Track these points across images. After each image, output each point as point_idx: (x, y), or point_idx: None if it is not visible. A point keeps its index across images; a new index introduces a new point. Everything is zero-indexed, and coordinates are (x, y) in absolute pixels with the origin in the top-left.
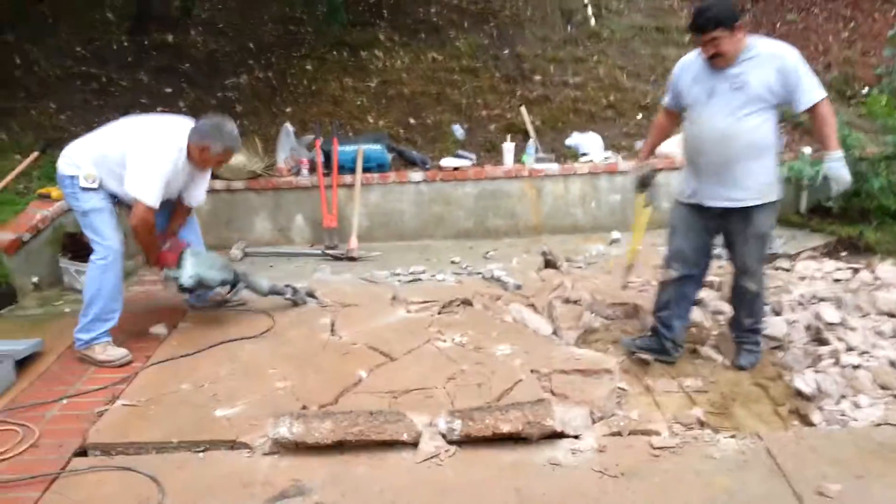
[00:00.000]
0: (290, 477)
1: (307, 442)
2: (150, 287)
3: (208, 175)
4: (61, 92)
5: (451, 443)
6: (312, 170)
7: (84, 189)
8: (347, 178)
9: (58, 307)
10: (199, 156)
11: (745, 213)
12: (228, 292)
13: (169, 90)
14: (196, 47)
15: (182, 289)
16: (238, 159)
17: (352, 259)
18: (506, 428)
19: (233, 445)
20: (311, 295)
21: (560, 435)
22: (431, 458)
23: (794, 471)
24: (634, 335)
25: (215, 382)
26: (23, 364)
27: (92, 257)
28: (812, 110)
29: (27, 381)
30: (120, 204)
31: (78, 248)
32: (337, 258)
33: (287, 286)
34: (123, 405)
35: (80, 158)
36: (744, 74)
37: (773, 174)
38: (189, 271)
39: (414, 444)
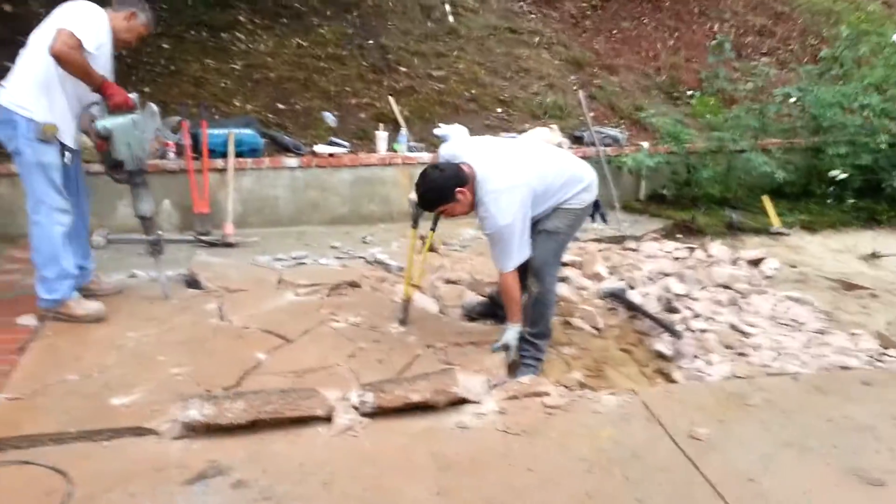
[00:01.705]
0: (206, 458)
1: (220, 423)
2: (6, 277)
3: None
4: None
5: (364, 415)
6: (179, 153)
7: (39, 140)
8: (219, 163)
9: None
10: (127, 23)
11: None
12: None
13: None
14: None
15: (97, 135)
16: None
17: (228, 245)
18: (416, 397)
19: (138, 432)
20: (194, 283)
21: (464, 401)
22: (347, 430)
23: (667, 419)
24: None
25: (104, 371)
26: None
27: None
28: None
29: None
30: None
31: None
32: (212, 244)
33: (158, 235)
34: (7, 399)
35: (26, 97)
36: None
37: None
38: (111, 124)
39: (328, 419)
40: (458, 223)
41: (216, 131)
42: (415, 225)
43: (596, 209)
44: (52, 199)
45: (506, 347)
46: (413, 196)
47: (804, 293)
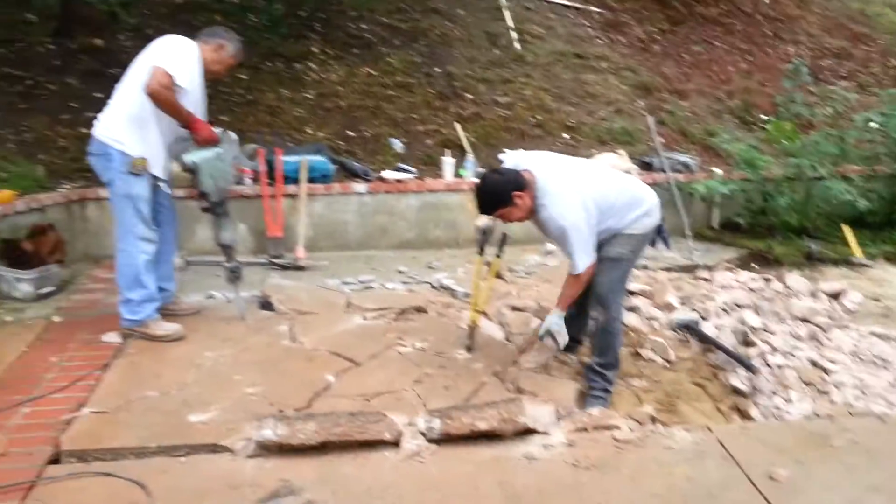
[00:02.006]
0: (278, 477)
1: (292, 443)
2: (91, 296)
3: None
4: None
5: (431, 441)
6: (255, 179)
7: (130, 173)
8: (291, 188)
9: None
10: (216, 55)
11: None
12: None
13: (100, 95)
14: (126, 52)
15: (184, 168)
16: (176, 166)
17: (300, 268)
18: (483, 426)
19: (214, 449)
20: (266, 305)
21: (531, 431)
22: (414, 455)
23: (744, 458)
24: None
25: (182, 389)
26: None
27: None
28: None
29: None
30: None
31: (14, 255)
32: (284, 267)
33: (237, 263)
34: (91, 412)
35: (122, 132)
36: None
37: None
38: (197, 158)
39: (395, 444)
40: (524, 249)
41: (289, 158)
42: (481, 251)
43: (659, 234)
44: (138, 229)
45: (549, 333)
46: (480, 222)
47: (889, 329)
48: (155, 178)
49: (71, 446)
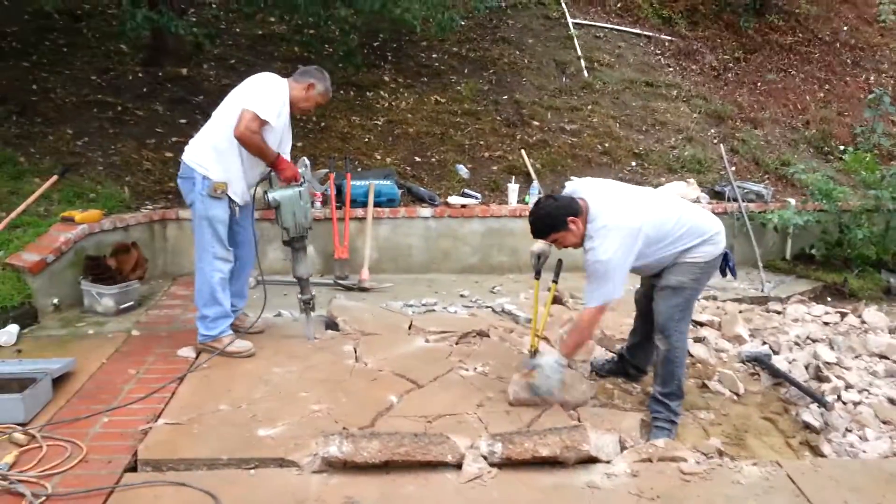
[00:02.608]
0: (343, 494)
1: (356, 461)
2: (168, 311)
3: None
4: (77, 119)
5: (492, 465)
6: (325, 203)
7: (211, 196)
8: (359, 212)
9: (80, 328)
10: (305, 94)
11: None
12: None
13: (184, 121)
14: (209, 81)
15: (268, 205)
16: (255, 191)
17: (364, 289)
18: (545, 451)
19: (281, 463)
20: (332, 325)
21: (594, 460)
22: (475, 478)
23: (817, 496)
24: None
25: (252, 404)
26: (56, 382)
27: (203, 265)
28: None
29: (63, 398)
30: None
31: (99, 271)
32: (349, 288)
33: (311, 295)
34: (166, 423)
35: (206, 159)
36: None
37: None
38: (279, 195)
39: (457, 466)
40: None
41: (358, 182)
42: (537, 276)
43: (725, 262)
44: (214, 249)
45: (540, 368)
46: (535, 248)
47: None
48: (232, 202)
49: (147, 455)
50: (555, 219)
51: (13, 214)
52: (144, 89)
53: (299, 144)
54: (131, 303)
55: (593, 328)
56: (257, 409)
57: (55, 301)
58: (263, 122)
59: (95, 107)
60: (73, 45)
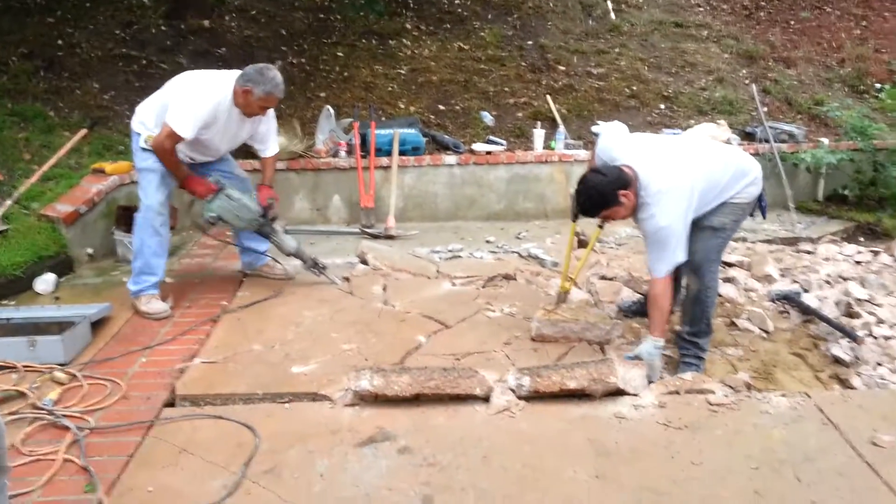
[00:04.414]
0: (375, 425)
1: (387, 394)
2: (200, 260)
3: (271, 124)
4: (103, 73)
5: (520, 398)
6: (350, 152)
7: (143, 149)
8: (384, 161)
9: (115, 277)
10: (243, 99)
11: None
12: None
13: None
14: (231, 33)
15: (210, 223)
16: (279, 140)
17: (390, 237)
18: (572, 384)
19: (314, 397)
20: (363, 263)
21: (621, 392)
22: (504, 410)
23: (845, 425)
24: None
25: (284, 344)
26: (94, 327)
27: (138, 217)
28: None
29: (102, 341)
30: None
31: (131, 221)
32: (375, 236)
33: (312, 258)
34: (202, 363)
35: (146, 117)
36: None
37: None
38: (214, 208)
39: (485, 399)
40: (614, 222)
41: (382, 131)
42: (574, 219)
43: (759, 202)
44: (147, 199)
45: (638, 358)
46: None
47: None
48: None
49: (185, 391)
50: (606, 196)
51: (45, 167)
52: (168, 42)
53: (322, 94)
54: None
55: (668, 297)
56: (290, 349)
57: (89, 251)
58: (180, 138)
59: (120, 61)
60: None
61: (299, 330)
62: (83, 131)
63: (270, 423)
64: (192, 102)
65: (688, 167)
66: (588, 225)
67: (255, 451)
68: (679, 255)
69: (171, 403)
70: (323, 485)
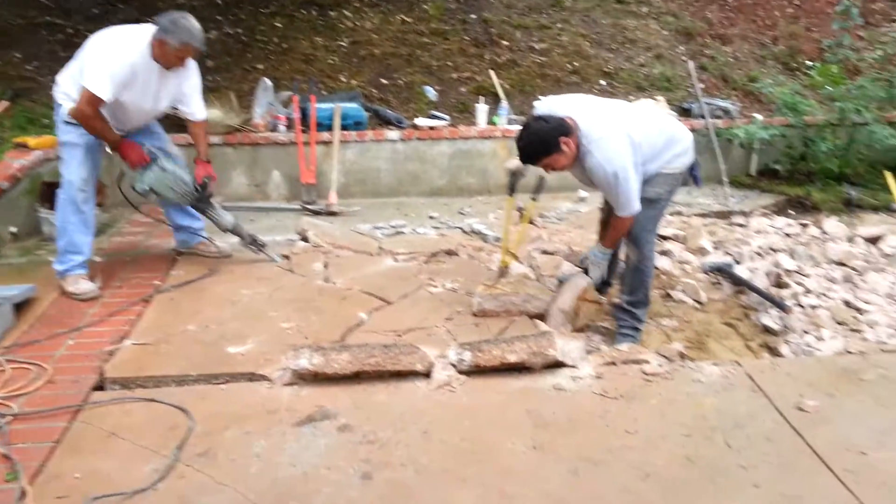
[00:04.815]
0: (314, 404)
1: (326, 372)
2: (132, 238)
3: (195, 81)
4: (26, 42)
5: (461, 372)
6: (289, 126)
7: (65, 122)
8: (325, 136)
9: (40, 256)
10: (160, 51)
11: None
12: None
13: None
14: (163, 1)
15: (134, 190)
16: (214, 113)
17: (332, 213)
18: (512, 358)
19: (252, 377)
20: (304, 240)
21: (560, 364)
22: (444, 385)
23: (773, 391)
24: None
25: (220, 324)
26: (18, 309)
27: (61, 193)
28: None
29: (26, 324)
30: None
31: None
32: (316, 213)
33: (250, 234)
34: (133, 344)
35: (68, 86)
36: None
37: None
38: (147, 180)
39: (427, 375)
40: (555, 196)
41: (323, 105)
42: (511, 193)
43: (691, 172)
44: (69, 174)
45: (584, 260)
46: (510, 164)
47: None
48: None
49: (114, 374)
50: (547, 142)
51: None
52: (95, 10)
53: (259, 67)
54: None
55: (626, 230)
56: (226, 329)
57: (13, 229)
58: (100, 101)
59: (45, 29)
60: None
61: (236, 309)
62: (5, 103)
63: (205, 404)
64: (108, 61)
65: (626, 122)
66: (526, 201)
67: (188, 433)
68: (636, 199)
69: (100, 387)
70: (259, 466)
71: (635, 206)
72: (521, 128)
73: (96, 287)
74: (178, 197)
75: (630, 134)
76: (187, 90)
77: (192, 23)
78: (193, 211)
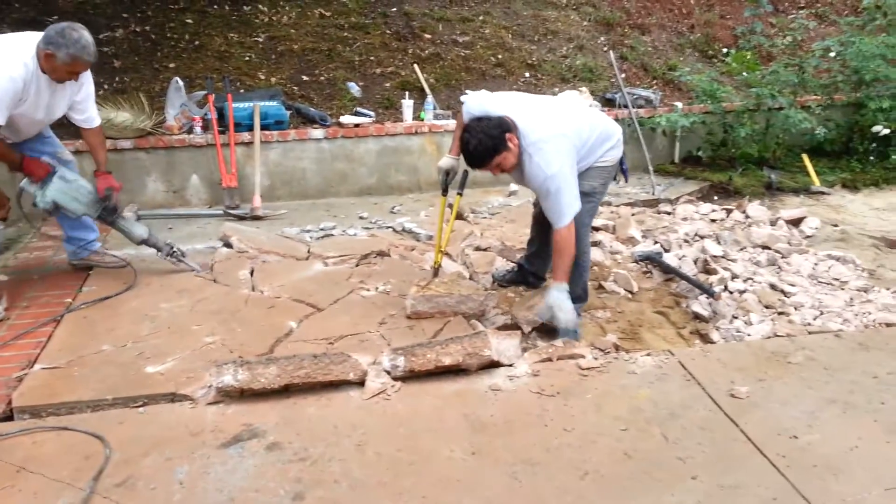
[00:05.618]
0: (241, 422)
1: (253, 388)
2: (39, 253)
3: (88, 89)
4: None
5: (396, 379)
6: (206, 127)
7: None
8: (245, 136)
9: None
10: (47, 64)
11: None
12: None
13: None
14: None
15: (35, 206)
16: (124, 116)
17: (257, 218)
18: (447, 360)
19: (173, 398)
20: (227, 246)
21: (496, 364)
22: (379, 393)
23: (706, 379)
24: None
25: (138, 342)
26: None
27: None
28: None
29: None
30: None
31: None
32: (240, 217)
33: (168, 244)
34: (43, 368)
35: None
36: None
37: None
38: (50, 194)
39: (360, 383)
40: (486, 191)
41: (241, 105)
42: (444, 192)
43: (620, 166)
44: None
45: (550, 309)
46: (442, 163)
47: (846, 252)
48: None
49: (22, 402)
50: (495, 138)
51: None
52: None
53: (171, 66)
54: None
55: (571, 244)
56: (144, 347)
57: None
58: None
59: None
60: None
61: (155, 325)
62: None
63: (123, 430)
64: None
65: (562, 120)
66: (454, 196)
67: (105, 462)
68: (576, 203)
69: (7, 417)
70: (183, 493)
71: (566, 218)
72: (465, 132)
73: (1, 309)
74: (85, 208)
75: (566, 133)
76: (79, 97)
77: (83, 34)
78: (90, 222)
